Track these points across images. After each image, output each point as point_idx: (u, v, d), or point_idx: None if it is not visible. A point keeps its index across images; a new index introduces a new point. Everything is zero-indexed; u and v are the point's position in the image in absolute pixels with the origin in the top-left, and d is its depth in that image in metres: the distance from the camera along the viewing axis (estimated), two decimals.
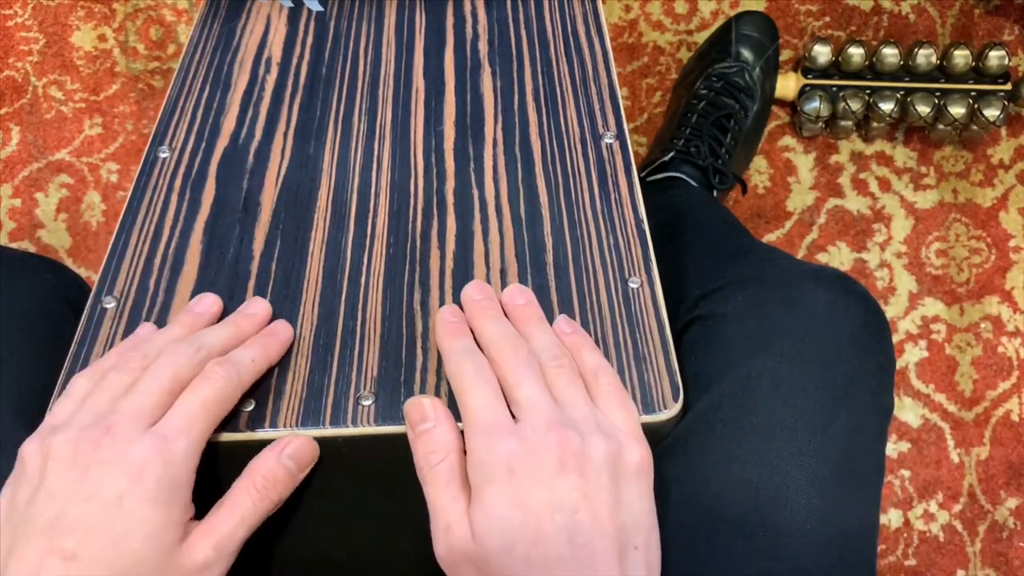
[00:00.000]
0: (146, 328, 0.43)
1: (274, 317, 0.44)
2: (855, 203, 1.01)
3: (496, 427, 0.37)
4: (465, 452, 0.38)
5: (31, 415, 0.43)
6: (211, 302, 0.44)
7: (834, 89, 0.97)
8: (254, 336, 0.42)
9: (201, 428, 0.37)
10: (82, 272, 0.96)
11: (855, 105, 0.96)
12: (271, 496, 0.38)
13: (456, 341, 0.41)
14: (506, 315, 0.44)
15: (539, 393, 0.38)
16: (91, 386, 0.39)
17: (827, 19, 1.06)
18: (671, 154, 0.86)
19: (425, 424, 0.38)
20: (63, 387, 0.41)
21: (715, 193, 0.87)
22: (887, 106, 0.95)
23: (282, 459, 0.39)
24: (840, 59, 0.96)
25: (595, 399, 0.40)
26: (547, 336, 0.42)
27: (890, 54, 0.95)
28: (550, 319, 0.44)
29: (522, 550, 0.35)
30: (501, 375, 0.39)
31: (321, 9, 0.63)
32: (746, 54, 0.93)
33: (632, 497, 0.37)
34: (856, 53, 0.95)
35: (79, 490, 0.34)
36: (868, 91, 0.97)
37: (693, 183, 0.85)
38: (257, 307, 0.44)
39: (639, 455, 0.39)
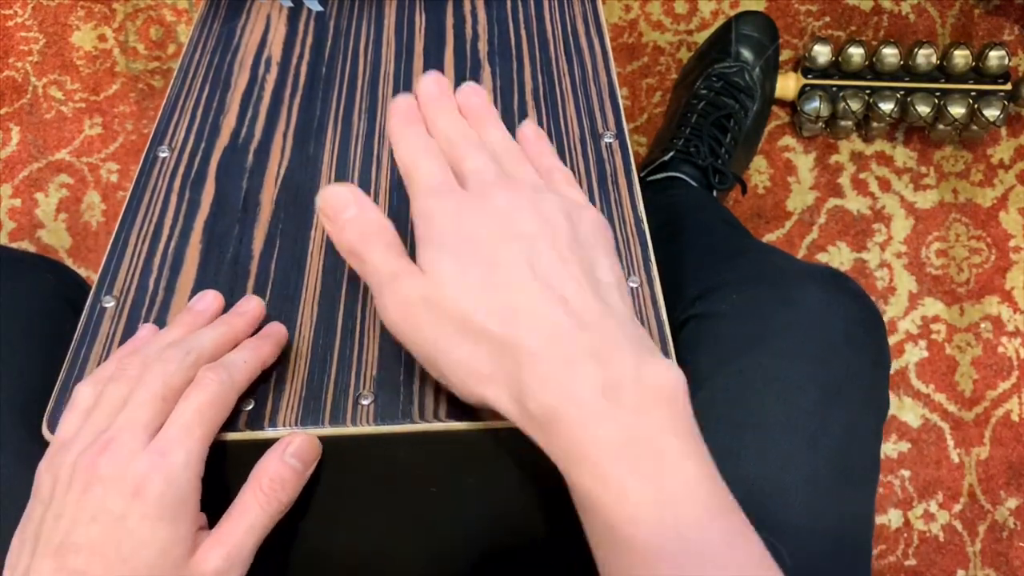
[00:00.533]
0: (146, 330, 0.42)
1: (274, 317, 0.44)
2: (855, 203, 1.01)
3: (444, 187, 0.36)
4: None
5: (31, 415, 0.43)
6: (211, 299, 0.43)
7: (834, 89, 0.97)
8: (246, 339, 0.41)
9: (199, 436, 0.36)
10: (82, 272, 0.96)
11: (855, 105, 0.96)
12: (279, 498, 0.37)
13: (407, 127, 0.40)
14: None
15: (487, 163, 0.38)
16: (94, 396, 0.38)
17: (827, 19, 1.06)
18: (671, 154, 0.87)
19: (349, 211, 0.37)
20: (63, 387, 0.41)
21: (715, 193, 0.87)
22: (887, 106, 0.95)
23: (286, 459, 0.38)
24: (840, 59, 0.96)
25: (548, 186, 0.39)
26: (501, 133, 0.41)
27: (890, 54, 0.95)
28: None
29: (478, 275, 0.34)
30: (449, 153, 0.38)
31: (321, 9, 0.63)
32: (746, 54, 0.93)
33: (595, 245, 0.37)
34: (856, 53, 0.95)
35: (83, 510, 0.34)
36: (868, 91, 0.97)
37: (693, 183, 0.85)
38: (249, 305, 0.43)
39: (595, 213, 0.38)
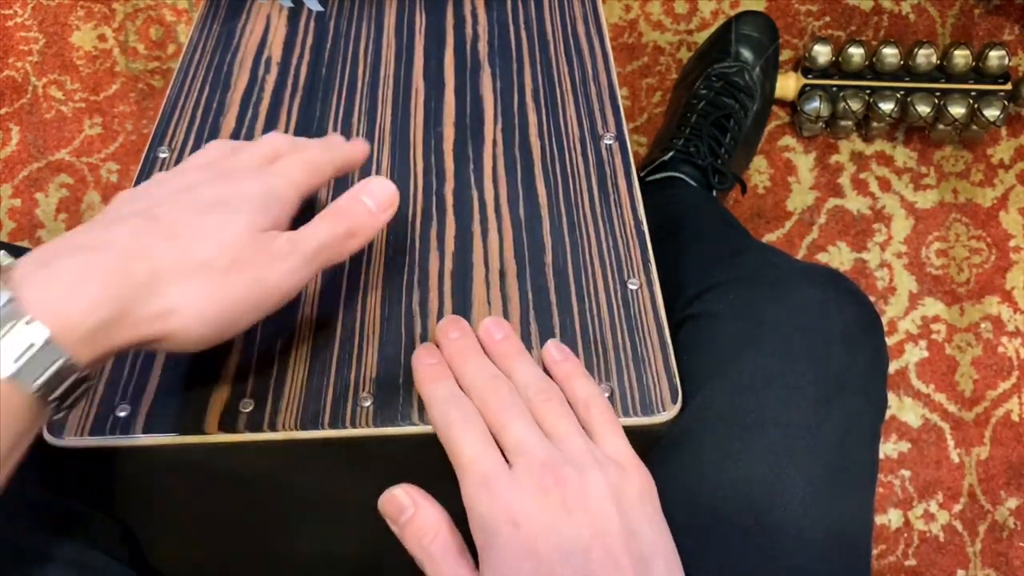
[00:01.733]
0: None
1: (273, 318, 0.44)
2: (855, 203, 1.01)
3: (492, 477, 0.36)
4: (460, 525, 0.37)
5: None
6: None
7: (834, 89, 0.97)
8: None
9: (300, 176, 0.39)
10: None
11: (855, 105, 0.96)
12: (345, 223, 0.39)
13: (437, 387, 0.40)
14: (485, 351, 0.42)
15: (529, 433, 0.38)
16: (218, 147, 0.41)
17: (827, 19, 1.06)
18: (671, 153, 0.86)
19: (405, 514, 0.38)
20: None
21: (714, 193, 0.87)
22: (887, 106, 0.95)
23: (359, 196, 0.40)
24: (840, 59, 0.96)
25: (587, 429, 0.39)
26: (530, 369, 0.41)
27: (890, 54, 0.95)
28: (549, 322, 0.44)
29: None
30: (488, 418, 0.38)
31: (321, 9, 0.63)
32: (746, 54, 0.93)
33: (642, 524, 0.37)
34: (856, 53, 0.95)
35: (180, 187, 0.37)
36: (868, 91, 0.97)
37: (692, 183, 0.85)
38: (357, 142, 0.45)
39: (640, 480, 0.38)
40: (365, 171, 0.51)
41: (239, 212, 0.36)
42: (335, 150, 0.42)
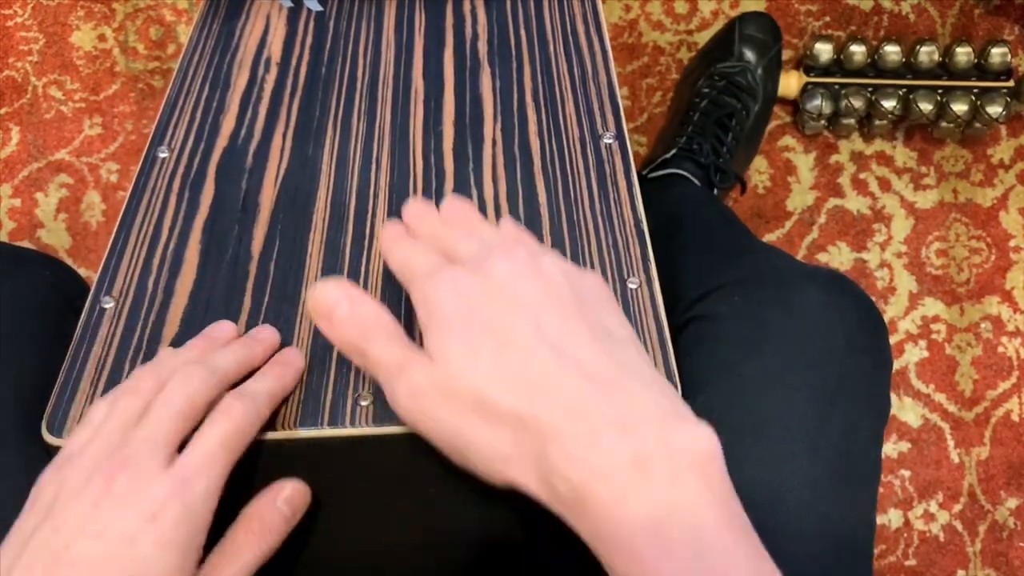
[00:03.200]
0: (165, 352, 0.41)
1: (273, 318, 0.44)
2: (855, 203, 1.01)
3: (438, 267, 0.36)
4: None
5: (30, 412, 0.43)
6: (228, 329, 0.42)
7: (836, 87, 0.97)
8: (267, 365, 0.40)
9: (221, 465, 0.35)
10: (82, 272, 0.96)
11: (857, 103, 0.96)
12: (268, 542, 0.36)
13: (396, 240, 0.40)
14: None
15: (479, 244, 0.37)
16: (108, 412, 0.37)
17: (827, 19, 1.06)
18: (673, 151, 0.87)
19: (341, 307, 0.36)
20: (63, 389, 0.41)
21: (715, 191, 0.87)
22: (889, 103, 0.95)
23: (278, 504, 0.37)
24: (842, 57, 0.96)
25: None
26: (488, 227, 0.41)
27: (892, 51, 0.95)
28: None
29: (487, 353, 0.33)
30: (442, 251, 0.38)
31: (321, 9, 0.63)
32: (749, 54, 0.93)
33: (600, 305, 0.36)
34: (858, 51, 0.95)
35: (88, 525, 0.32)
36: (870, 89, 0.97)
37: (694, 180, 0.85)
38: (267, 332, 0.42)
39: (597, 278, 0.38)
40: (365, 172, 0.51)
41: None
42: (260, 402, 0.37)
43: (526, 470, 0.33)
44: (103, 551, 0.32)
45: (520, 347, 0.33)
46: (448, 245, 0.38)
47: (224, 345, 0.40)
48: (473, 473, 0.35)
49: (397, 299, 0.45)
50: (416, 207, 0.43)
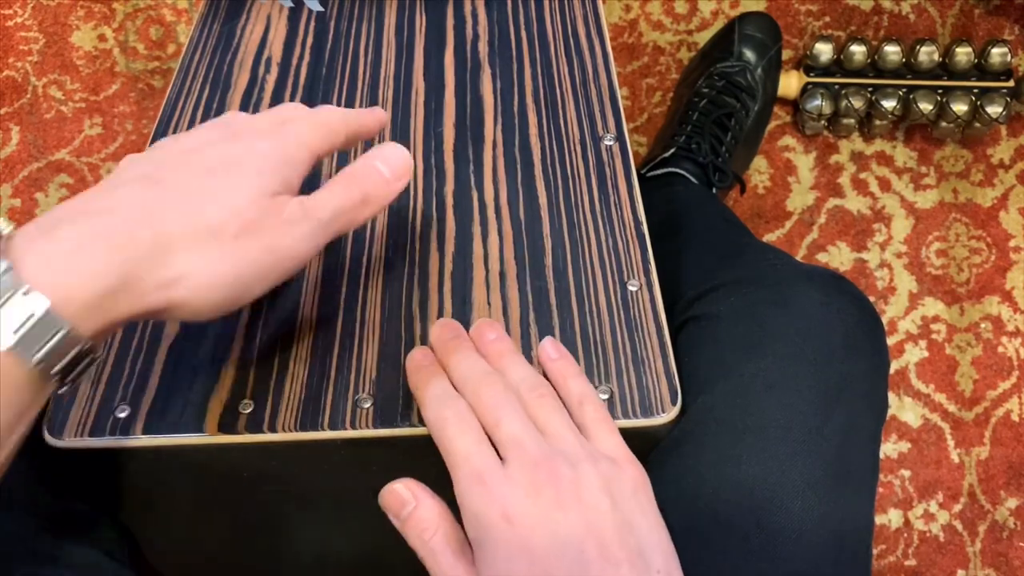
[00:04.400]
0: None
1: (273, 319, 0.44)
2: (855, 203, 1.01)
3: (485, 473, 0.36)
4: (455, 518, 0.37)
5: None
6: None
7: (836, 87, 0.97)
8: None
9: (310, 139, 0.38)
10: None
11: (858, 103, 0.96)
12: (360, 188, 0.38)
13: (430, 387, 0.40)
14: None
15: (522, 428, 0.37)
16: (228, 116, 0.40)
17: (827, 19, 1.06)
18: (672, 150, 0.87)
19: (406, 508, 0.38)
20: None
21: (714, 191, 0.87)
22: (890, 103, 0.95)
23: (373, 161, 0.39)
24: (842, 57, 0.96)
25: (581, 427, 0.39)
26: (523, 367, 0.41)
27: (892, 51, 0.95)
28: (549, 323, 0.44)
29: None
30: (481, 415, 0.38)
31: (321, 9, 0.63)
32: (748, 54, 0.93)
33: (637, 516, 0.37)
34: (858, 51, 0.95)
35: (187, 148, 0.36)
36: (870, 89, 0.97)
37: (693, 179, 0.85)
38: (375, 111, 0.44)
39: (633, 473, 0.38)
40: None
41: (248, 175, 0.35)
42: (349, 115, 0.41)
43: None
44: (199, 162, 0.35)
45: None
46: (491, 422, 0.38)
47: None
48: None
49: (398, 299, 0.45)
50: (445, 332, 0.43)
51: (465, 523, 0.36)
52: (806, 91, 0.98)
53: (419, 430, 0.40)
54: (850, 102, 0.95)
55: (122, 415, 0.41)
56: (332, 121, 0.40)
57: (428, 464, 0.41)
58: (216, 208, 0.34)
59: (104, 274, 0.31)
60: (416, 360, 0.41)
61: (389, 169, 0.39)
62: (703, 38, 1.04)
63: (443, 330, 0.43)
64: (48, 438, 0.40)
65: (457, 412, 0.38)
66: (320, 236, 0.37)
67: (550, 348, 0.43)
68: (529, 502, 0.35)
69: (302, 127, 0.39)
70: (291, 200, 0.36)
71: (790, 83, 0.99)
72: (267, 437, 0.40)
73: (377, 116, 0.43)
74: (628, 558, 0.35)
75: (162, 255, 0.32)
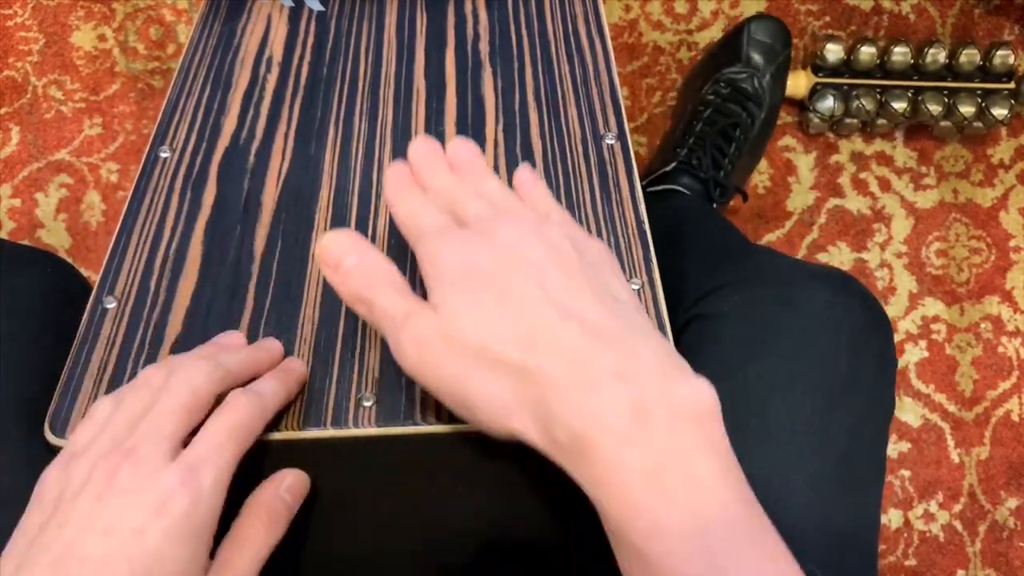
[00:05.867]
0: (173, 355, 0.40)
1: (275, 318, 0.44)
2: (855, 203, 1.01)
3: (446, 228, 0.36)
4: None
5: (33, 412, 0.43)
6: (237, 338, 0.42)
7: (846, 88, 0.97)
8: (272, 371, 0.40)
9: (228, 458, 0.35)
10: (82, 272, 0.96)
11: (868, 104, 0.96)
12: (276, 530, 0.37)
13: (402, 191, 0.40)
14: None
15: (486, 206, 0.37)
16: (113, 408, 0.36)
17: (827, 19, 1.06)
18: (673, 164, 0.86)
19: (350, 258, 0.36)
20: (65, 389, 0.41)
21: (714, 206, 0.87)
22: (899, 104, 0.95)
23: (280, 493, 0.37)
24: (851, 58, 0.96)
25: None
26: (495, 182, 0.41)
27: (900, 53, 0.95)
28: None
29: (491, 304, 0.33)
30: (449, 208, 0.38)
31: (322, 9, 0.63)
32: (757, 59, 0.92)
33: (603, 270, 0.36)
34: (867, 52, 0.95)
35: (94, 521, 0.31)
36: (879, 90, 0.97)
37: (693, 196, 0.85)
38: (273, 344, 0.42)
39: (601, 245, 0.38)
40: (367, 172, 0.51)
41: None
42: (265, 396, 0.37)
43: (527, 419, 0.33)
44: (111, 546, 0.31)
45: (524, 301, 0.33)
46: (456, 204, 0.38)
47: (233, 351, 0.40)
48: (475, 424, 0.35)
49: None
50: (423, 150, 0.42)
51: (423, 273, 0.36)
52: (816, 91, 0.98)
53: (422, 429, 0.40)
54: (861, 103, 0.95)
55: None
56: (248, 417, 0.36)
57: (431, 464, 0.41)
58: None
59: None
60: (393, 172, 0.41)
61: (291, 497, 0.38)
62: (703, 38, 1.04)
63: (421, 144, 0.42)
64: (50, 437, 0.40)
65: (424, 199, 0.38)
66: None
67: (525, 171, 0.42)
68: (487, 238, 0.35)
69: (213, 454, 0.34)
70: None
71: (798, 83, 0.99)
72: (269, 436, 0.40)
73: (275, 352, 0.41)
74: (590, 284, 0.35)
75: None
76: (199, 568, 0.33)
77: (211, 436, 0.35)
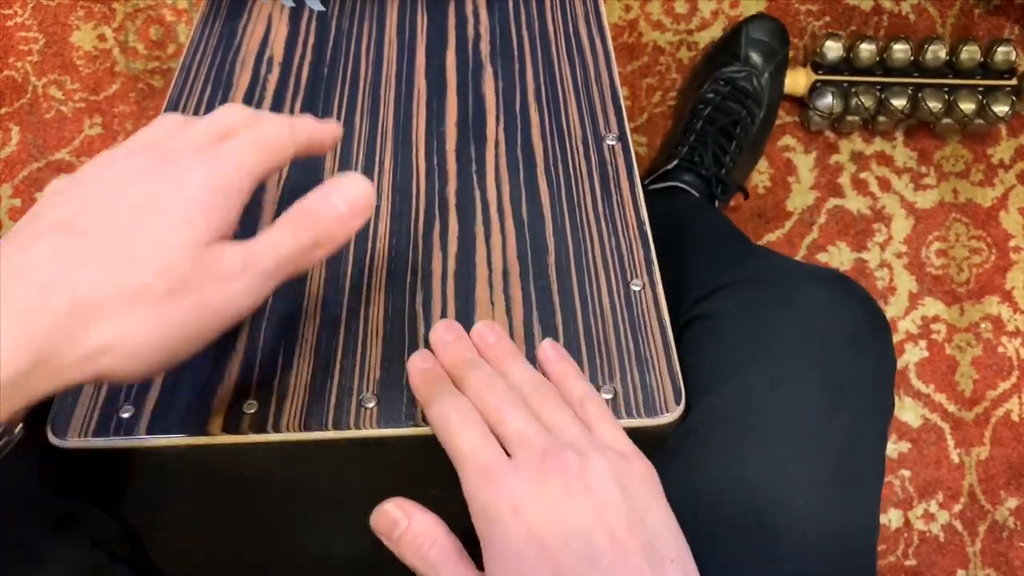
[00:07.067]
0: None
1: (276, 318, 0.44)
2: (855, 203, 1.01)
3: (492, 467, 0.36)
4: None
5: (34, 412, 0.43)
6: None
7: (846, 85, 0.97)
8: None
9: (251, 159, 0.34)
10: None
11: (868, 101, 0.96)
12: (311, 230, 0.34)
13: (433, 387, 0.39)
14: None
15: (527, 423, 0.37)
16: (181, 122, 0.36)
17: (827, 19, 1.06)
18: (675, 162, 0.86)
19: (399, 527, 0.37)
20: (65, 392, 0.41)
21: (716, 203, 0.87)
22: (899, 102, 0.95)
23: (329, 197, 0.35)
24: (851, 55, 0.96)
25: (585, 424, 0.39)
26: (525, 369, 0.41)
27: (900, 50, 0.95)
28: (552, 323, 0.44)
29: None
30: (486, 416, 0.38)
31: (323, 9, 0.62)
32: (755, 59, 0.93)
33: (649, 508, 0.36)
34: (867, 49, 0.95)
35: (112, 182, 0.32)
36: (879, 87, 0.97)
37: (695, 193, 0.85)
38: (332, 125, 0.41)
39: (642, 466, 0.38)
40: (368, 173, 0.51)
41: (177, 223, 0.31)
42: (297, 126, 0.37)
43: None
44: (122, 199, 0.31)
45: None
46: (495, 420, 0.38)
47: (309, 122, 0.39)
48: None
49: (401, 299, 0.45)
50: (446, 336, 0.42)
51: (474, 519, 0.36)
52: (815, 89, 0.98)
53: (423, 430, 0.40)
54: (860, 100, 0.95)
55: (125, 415, 0.41)
56: (275, 136, 0.36)
57: (432, 464, 0.41)
58: (142, 265, 0.30)
59: (15, 355, 0.27)
60: (417, 363, 0.41)
61: (346, 205, 0.35)
62: (703, 38, 1.04)
63: (444, 332, 0.42)
64: (52, 438, 0.40)
65: (461, 411, 0.38)
66: (262, 288, 0.33)
67: (549, 350, 0.42)
68: (537, 492, 0.35)
69: (241, 147, 0.34)
70: (228, 249, 0.32)
71: (797, 80, 0.99)
72: (271, 437, 0.40)
73: (330, 129, 0.39)
74: (640, 548, 0.34)
75: (82, 325, 0.29)
76: (207, 230, 0.32)
77: (236, 141, 0.34)
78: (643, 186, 0.85)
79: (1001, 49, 0.94)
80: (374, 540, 0.45)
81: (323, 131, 0.38)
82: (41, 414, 0.40)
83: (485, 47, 0.59)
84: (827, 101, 0.96)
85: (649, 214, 0.49)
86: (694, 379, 0.45)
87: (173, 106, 0.56)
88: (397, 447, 0.41)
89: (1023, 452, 0.94)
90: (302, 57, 0.59)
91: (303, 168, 0.51)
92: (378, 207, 0.50)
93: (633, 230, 0.48)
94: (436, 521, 0.37)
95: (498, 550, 0.35)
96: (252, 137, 0.35)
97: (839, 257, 0.99)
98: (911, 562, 0.92)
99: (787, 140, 1.02)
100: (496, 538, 0.35)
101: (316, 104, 0.55)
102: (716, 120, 0.89)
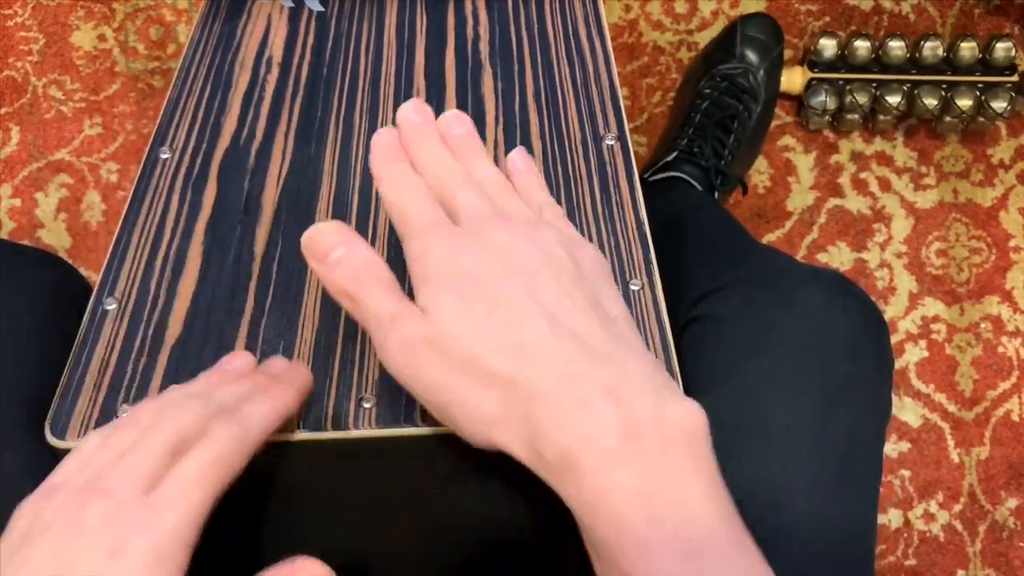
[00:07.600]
0: (172, 388, 0.38)
1: (276, 319, 0.44)
2: (855, 203, 1.01)
3: (437, 224, 0.35)
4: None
5: (35, 412, 0.43)
6: (243, 363, 0.40)
7: (841, 83, 0.97)
8: (268, 382, 0.38)
9: (198, 498, 0.32)
10: (82, 272, 0.96)
11: (862, 98, 0.96)
12: None
13: (391, 164, 0.38)
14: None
15: (478, 198, 0.36)
16: (99, 444, 0.34)
17: (827, 19, 1.06)
18: (674, 154, 0.87)
19: (337, 250, 0.35)
20: (66, 390, 0.41)
21: (716, 194, 0.87)
22: (894, 99, 0.95)
23: None
24: (846, 52, 0.96)
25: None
26: (488, 165, 0.39)
27: (896, 47, 0.95)
28: None
29: (482, 312, 0.32)
30: (438, 191, 0.37)
31: (322, 9, 0.62)
32: (751, 56, 0.93)
33: (597, 280, 0.35)
34: (862, 46, 0.95)
35: (52, 563, 0.30)
36: (875, 84, 0.97)
37: (695, 183, 0.85)
38: (278, 366, 0.40)
39: (594, 250, 0.37)
40: (368, 172, 0.51)
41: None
42: (247, 423, 0.34)
43: (512, 433, 0.32)
44: None
45: (515, 312, 0.33)
46: (448, 193, 0.37)
47: (236, 379, 0.38)
48: (458, 433, 0.35)
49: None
50: (413, 117, 0.40)
51: (411, 269, 0.35)
52: (810, 87, 0.98)
53: (423, 430, 0.40)
54: (855, 97, 0.95)
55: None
56: (233, 449, 0.33)
57: (431, 465, 0.41)
58: None
59: None
60: (380, 138, 0.39)
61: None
62: (703, 38, 1.04)
63: (412, 110, 0.40)
64: (50, 438, 0.40)
65: (415, 183, 0.37)
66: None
67: (518, 160, 0.41)
68: (479, 240, 0.34)
69: (190, 484, 0.32)
70: None
71: (793, 79, 0.99)
72: (271, 438, 0.40)
73: (292, 398, 0.37)
74: (584, 296, 0.34)
75: None
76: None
77: (180, 476, 0.32)
78: (643, 178, 0.85)
79: (1000, 45, 0.94)
80: (373, 541, 0.45)
81: (283, 403, 0.37)
82: (41, 413, 0.40)
83: (484, 47, 0.59)
84: (821, 99, 0.96)
85: (648, 207, 0.49)
86: (693, 380, 0.45)
87: (173, 106, 0.56)
88: (396, 448, 0.41)
89: (1023, 452, 0.94)
90: (301, 57, 0.59)
91: (303, 167, 0.52)
92: (377, 207, 0.50)
93: (632, 231, 0.48)
94: (380, 257, 0.36)
95: (432, 280, 0.33)
96: (205, 460, 0.33)
97: (839, 257, 0.99)
98: (911, 562, 0.92)
99: (787, 140, 1.02)
100: (430, 271, 0.34)
101: (316, 104, 0.56)
102: (713, 114, 0.89)
